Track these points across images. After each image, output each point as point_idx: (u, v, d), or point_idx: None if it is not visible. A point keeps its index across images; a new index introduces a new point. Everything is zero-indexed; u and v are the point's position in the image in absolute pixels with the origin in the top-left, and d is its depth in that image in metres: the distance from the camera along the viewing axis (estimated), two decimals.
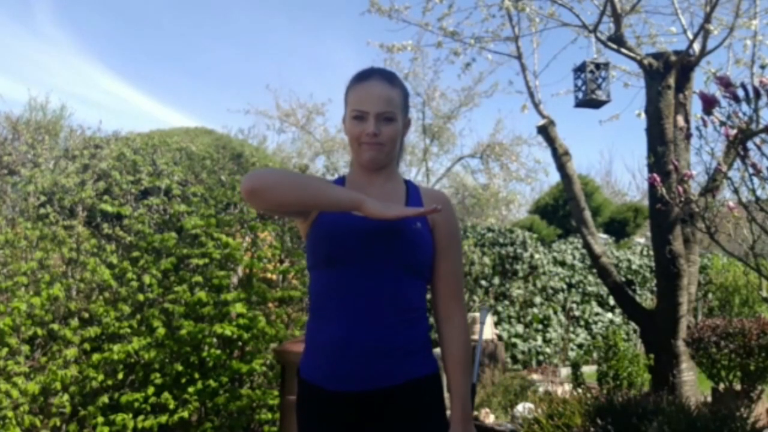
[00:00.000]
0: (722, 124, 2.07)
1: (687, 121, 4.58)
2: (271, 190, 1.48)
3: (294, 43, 31.13)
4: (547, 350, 7.99)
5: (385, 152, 1.59)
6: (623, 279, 8.31)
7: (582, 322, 8.79)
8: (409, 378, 1.50)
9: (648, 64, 4.76)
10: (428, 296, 1.65)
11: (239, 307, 4.02)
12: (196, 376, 3.94)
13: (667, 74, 4.71)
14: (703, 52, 4.75)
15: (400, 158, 1.74)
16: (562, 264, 8.94)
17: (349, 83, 1.62)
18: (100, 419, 3.75)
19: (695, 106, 4.83)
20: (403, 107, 1.63)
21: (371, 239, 1.52)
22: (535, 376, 5.81)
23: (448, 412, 1.58)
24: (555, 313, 8.38)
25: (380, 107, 1.56)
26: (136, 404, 3.80)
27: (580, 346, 8.55)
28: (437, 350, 1.64)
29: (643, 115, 4.92)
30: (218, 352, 3.98)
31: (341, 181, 1.68)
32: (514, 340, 7.73)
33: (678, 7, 5.10)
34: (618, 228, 14.38)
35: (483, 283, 7.61)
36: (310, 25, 30.38)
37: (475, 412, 4.44)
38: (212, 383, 3.92)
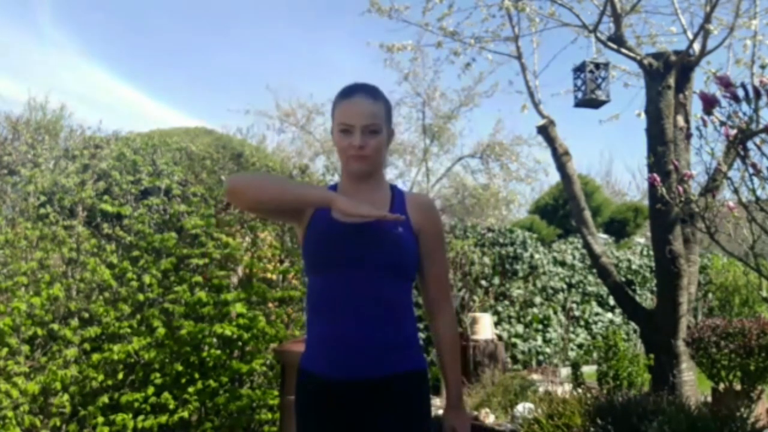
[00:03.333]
0: (722, 124, 2.07)
1: (687, 121, 4.57)
2: (249, 189, 1.68)
3: (294, 43, 31.14)
4: (547, 350, 7.99)
5: (371, 162, 1.72)
6: (623, 279, 8.31)
7: (582, 322, 8.79)
8: (396, 371, 1.65)
9: (648, 64, 4.76)
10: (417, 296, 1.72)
11: (239, 307, 4.03)
12: (196, 376, 3.94)
13: (667, 74, 4.70)
14: (703, 52, 4.75)
15: (384, 165, 1.90)
16: (562, 264, 8.93)
17: (335, 99, 1.75)
18: (100, 419, 3.75)
19: (695, 106, 4.82)
20: (387, 119, 1.76)
21: (354, 245, 1.66)
22: (535, 376, 5.81)
23: (439, 411, 1.78)
24: (555, 313, 8.38)
25: (365, 121, 1.68)
26: (136, 404, 3.80)
27: (580, 346, 8.55)
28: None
29: (643, 115, 4.92)
30: (218, 352, 3.98)
31: (334, 188, 1.81)
32: (514, 340, 7.73)
33: (678, 7, 5.10)
34: (618, 228, 14.37)
35: (483, 283, 7.60)
36: (310, 25, 30.37)
37: (475, 412, 4.44)
38: (212, 383, 3.92)
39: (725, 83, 1.94)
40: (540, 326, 8.14)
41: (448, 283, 1.85)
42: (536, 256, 8.45)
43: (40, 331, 3.88)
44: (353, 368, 1.63)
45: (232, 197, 1.70)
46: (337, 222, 1.66)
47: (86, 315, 4.08)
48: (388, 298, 1.67)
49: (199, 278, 4.11)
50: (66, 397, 3.78)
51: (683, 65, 4.75)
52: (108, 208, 4.26)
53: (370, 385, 1.63)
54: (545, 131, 5.59)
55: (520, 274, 8.18)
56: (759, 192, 2.24)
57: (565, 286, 8.78)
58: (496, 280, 7.80)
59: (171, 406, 3.81)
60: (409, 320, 1.72)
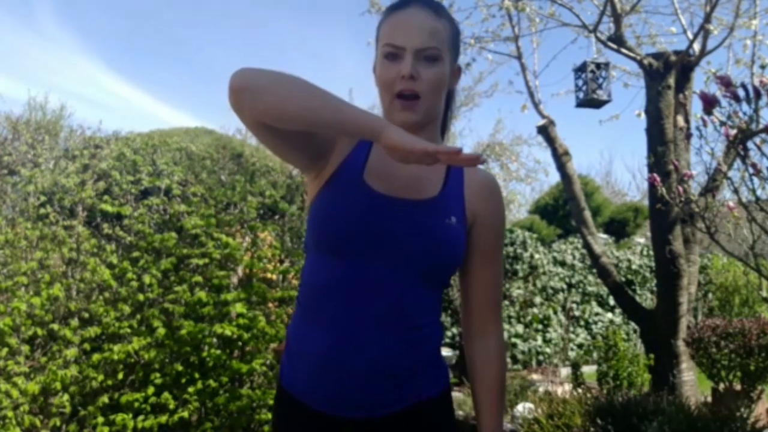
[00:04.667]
0: (722, 124, 2.07)
1: (687, 121, 4.57)
2: (268, 91, 1.06)
3: (293, 43, 31.16)
4: (547, 350, 7.99)
5: (423, 106, 1.19)
6: (623, 279, 8.32)
7: (582, 322, 8.79)
8: (409, 404, 1.20)
9: (648, 64, 4.76)
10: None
11: (239, 307, 4.03)
12: (196, 376, 3.94)
13: (667, 74, 4.70)
14: (703, 52, 4.75)
15: (447, 121, 1.34)
16: (562, 264, 8.93)
17: (383, 16, 1.25)
18: (100, 419, 3.75)
19: (695, 106, 4.83)
20: (452, 46, 1.23)
21: (395, 229, 1.17)
22: (535, 376, 5.81)
23: None
24: (555, 313, 8.38)
25: (420, 40, 1.17)
26: (136, 404, 3.80)
27: (580, 346, 8.55)
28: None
29: (643, 115, 4.92)
30: (218, 352, 3.98)
31: (368, 146, 1.25)
32: (514, 340, 7.73)
33: (678, 7, 5.10)
34: (618, 228, 14.37)
35: None
36: (309, 25, 30.39)
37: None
38: (212, 383, 3.92)
39: (725, 83, 1.93)
40: (540, 326, 8.14)
41: (499, 296, 1.31)
42: (536, 256, 8.45)
43: (40, 331, 3.88)
44: (351, 405, 1.18)
45: (239, 99, 1.07)
46: (376, 193, 1.18)
47: (86, 315, 4.08)
48: (412, 311, 1.19)
49: (199, 278, 4.11)
50: (66, 397, 3.78)
51: (683, 65, 4.76)
52: (108, 208, 4.26)
53: (375, 424, 1.18)
54: (545, 131, 5.60)
55: (520, 274, 8.18)
56: (759, 192, 2.24)
57: (565, 286, 8.78)
58: None
59: (171, 406, 3.81)
60: (432, 339, 1.25)
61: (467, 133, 23.84)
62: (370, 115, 1.08)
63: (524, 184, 14.79)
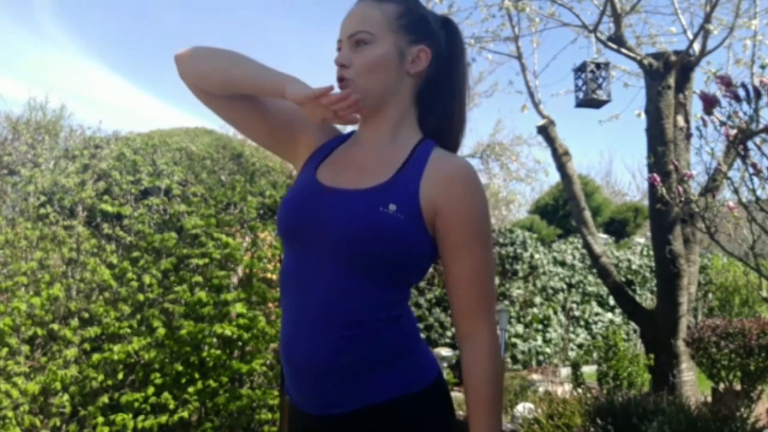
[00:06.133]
0: (722, 124, 2.07)
1: (687, 121, 4.57)
2: (198, 59, 1.24)
3: (293, 43, 31.17)
4: (547, 350, 7.99)
5: (359, 91, 1.15)
6: (623, 279, 8.32)
7: (582, 322, 8.79)
8: (362, 405, 1.14)
9: (648, 64, 4.76)
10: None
11: (239, 307, 4.03)
12: (196, 376, 3.94)
13: (667, 74, 4.71)
14: (703, 52, 4.75)
15: (402, 102, 1.22)
16: (562, 264, 8.94)
17: None
18: (100, 419, 3.75)
19: (695, 106, 4.83)
20: (398, 27, 1.19)
21: (322, 218, 1.14)
22: (535, 376, 5.81)
23: None
24: (555, 313, 8.38)
25: (349, 29, 1.19)
26: (136, 404, 3.80)
27: (580, 346, 8.55)
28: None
29: (643, 115, 4.92)
30: (218, 352, 3.98)
31: (338, 141, 1.29)
32: (514, 340, 7.73)
33: (678, 7, 5.10)
34: (618, 228, 14.37)
35: None
36: (309, 25, 30.39)
37: None
38: (212, 383, 3.92)
39: (726, 83, 1.94)
40: (540, 326, 8.14)
41: (484, 292, 1.18)
42: (536, 256, 8.45)
43: (40, 331, 3.88)
44: (314, 401, 1.17)
45: (178, 66, 1.26)
46: (317, 183, 1.19)
47: (86, 315, 4.08)
48: (347, 305, 1.13)
49: (199, 278, 4.11)
50: (66, 397, 3.78)
51: (683, 65, 4.76)
52: (108, 208, 4.26)
53: (339, 423, 1.16)
54: (545, 131, 5.60)
55: (520, 274, 8.18)
56: (759, 192, 2.24)
57: (565, 286, 8.78)
58: (496, 280, 7.81)
59: (171, 406, 3.81)
60: (385, 335, 1.16)
61: (467, 133, 23.79)
62: (280, 74, 1.17)
63: (524, 184, 14.79)
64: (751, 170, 2.18)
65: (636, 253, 9.99)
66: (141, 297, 4.03)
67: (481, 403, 1.15)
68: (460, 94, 1.25)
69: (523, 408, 4.16)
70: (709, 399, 4.59)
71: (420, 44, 1.21)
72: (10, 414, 3.56)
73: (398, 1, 1.21)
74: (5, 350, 3.72)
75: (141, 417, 3.78)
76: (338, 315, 1.13)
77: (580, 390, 4.46)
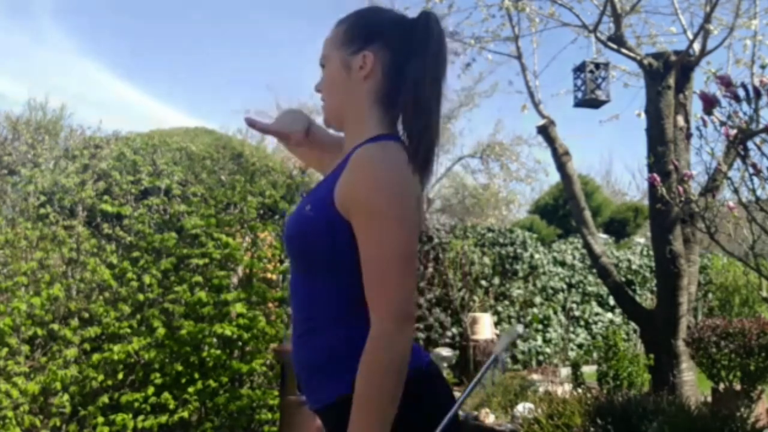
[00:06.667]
0: (722, 124, 2.07)
1: (687, 121, 4.58)
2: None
3: (294, 44, 31.17)
4: (547, 350, 7.99)
5: (327, 110, 1.31)
6: (623, 279, 8.31)
7: (582, 322, 8.79)
8: (326, 402, 1.19)
9: (648, 64, 4.76)
10: None
11: (239, 307, 4.03)
12: (196, 376, 3.94)
13: (667, 74, 4.70)
14: (703, 52, 4.75)
15: (369, 113, 1.26)
16: (562, 264, 8.93)
17: None
18: (100, 419, 3.75)
19: (695, 106, 4.82)
20: (345, 41, 1.27)
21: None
22: (535, 376, 5.80)
23: None
24: (555, 313, 8.38)
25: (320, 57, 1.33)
26: (136, 404, 3.80)
27: (580, 346, 8.55)
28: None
29: (643, 115, 4.92)
30: (218, 352, 3.98)
31: None
32: None
33: (678, 7, 5.10)
34: (618, 228, 14.37)
35: (483, 283, 7.60)
36: (309, 25, 30.37)
37: (475, 412, 4.44)
38: (212, 383, 3.92)
39: (726, 83, 1.94)
40: (540, 326, 8.14)
41: (377, 282, 1.12)
42: (536, 256, 8.45)
43: (40, 331, 3.88)
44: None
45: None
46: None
47: (86, 315, 4.08)
48: (302, 301, 1.23)
49: (199, 278, 4.11)
50: (66, 397, 3.78)
51: (683, 65, 4.75)
52: (108, 208, 4.26)
53: (323, 418, 1.24)
54: (545, 131, 5.59)
55: (520, 274, 8.18)
56: (759, 192, 2.24)
57: (565, 286, 8.78)
58: (496, 280, 7.80)
59: (171, 406, 3.81)
60: (327, 333, 1.19)
61: (467, 133, 23.85)
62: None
63: (524, 184, 14.79)
64: (751, 170, 2.18)
65: (636, 253, 9.98)
66: (141, 297, 4.03)
67: (354, 399, 1.09)
68: (417, 85, 1.23)
69: (523, 408, 4.16)
70: (709, 399, 4.59)
71: (364, 51, 1.25)
72: (10, 414, 3.56)
73: (347, 18, 1.29)
74: (5, 350, 3.72)
75: (141, 417, 3.78)
76: (298, 314, 1.24)
77: (580, 390, 4.46)
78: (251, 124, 1.36)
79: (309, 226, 1.19)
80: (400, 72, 1.24)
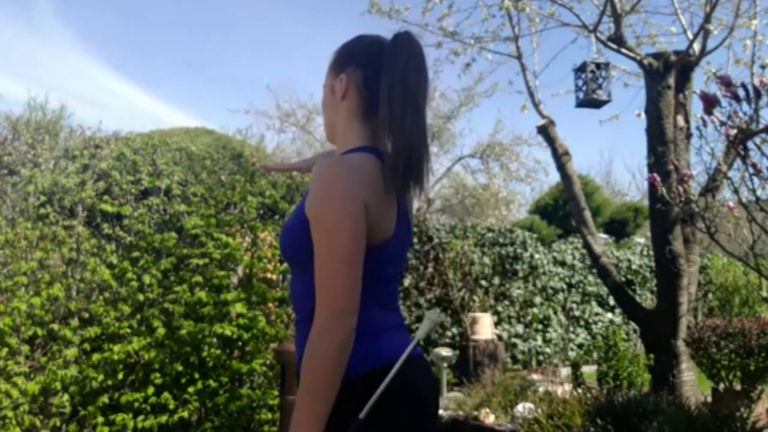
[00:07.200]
0: (722, 124, 2.07)
1: (687, 121, 4.58)
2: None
3: (294, 44, 31.17)
4: (547, 350, 7.99)
5: (324, 127, 1.52)
6: (623, 279, 8.32)
7: (582, 322, 8.79)
8: None
9: (648, 64, 4.76)
10: None
11: (239, 307, 4.03)
12: (196, 376, 3.94)
13: (667, 74, 4.70)
14: (703, 52, 4.75)
15: (342, 129, 1.42)
16: (562, 264, 8.94)
17: None
18: (100, 419, 3.75)
19: (695, 106, 4.82)
20: (331, 68, 1.45)
21: None
22: (535, 376, 5.80)
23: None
24: (555, 313, 8.38)
25: None
26: (136, 404, 3.80)
27: (580, 346, 8.55)
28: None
29: (643, 115, 4.92)
30: (218, 352, 3.98)
31: None
32: (514, 340, 7.73)
33: (678, 7, 5.10)
34: (618, 228, 14.38)
35: (483, 283, 7.60)
36: (308, 25, 30.40)
37: (475, 412, 4.44)
38: (212, 383, 3.92)
39: (725, 83, 1.94)
40: (540, 326, 8.14)
41: (322, 278, 1.24)
42: (536, 256, 8.45)
43: (40, 331, 3.88)
44: None
45: None
46: None
47: (86, 315, 4.08)
48: (293, 296, 1.39)
49: (199, 278, 4.11)
50: (66, 397, 3.78)
51: (683, 65, 4.75)
52: (108, 208, 4.26)
53: None
54: (545, 131, 5.59)
55: (520, 274, 8.18)
56: (759, 192, 2.24)
57: (565, 286, 8.78)
58: (496, 280, 7.80)
59: (171, 406, 3.81)
60: (308, 326, 1.27)
61: (467, 133, 23.85)
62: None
63: (524, 184, 14.77)
64: (751, 170, 2.18)
65: (636, 253, 9.99)
66: (141, 297, 4.03)
67: (299, 385, 1.22)
68: (390, 99, 1.32)
69: (523, 408, 4.16)
70: (709, 399, 4.59)
71: (341, 74, 1.40)
72: (10, 414, 3.56)
73: (338, 48, 1.45)
74: (5, 350, 3.72)
75: (141, 417, 3.78)
76: (293, 305, 1.40)
77: (580, 390, 4.46)
78: (269, 169, 1.67)
79: (291, 232, 1.35)
80: (372, 89, 1.36)
